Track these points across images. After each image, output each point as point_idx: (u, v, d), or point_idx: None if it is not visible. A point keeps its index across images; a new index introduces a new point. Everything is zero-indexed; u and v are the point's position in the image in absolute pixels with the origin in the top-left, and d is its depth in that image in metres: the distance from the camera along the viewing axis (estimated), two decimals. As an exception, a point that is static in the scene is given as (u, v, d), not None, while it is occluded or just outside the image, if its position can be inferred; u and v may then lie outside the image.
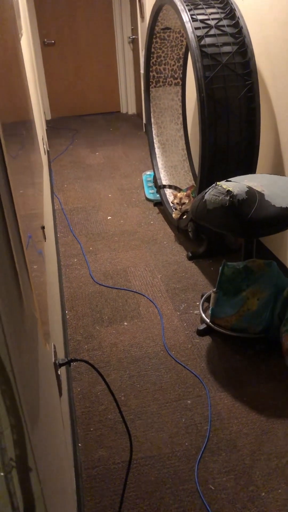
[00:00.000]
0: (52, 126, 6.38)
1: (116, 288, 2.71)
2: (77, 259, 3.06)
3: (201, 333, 2.30)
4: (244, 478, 1.61)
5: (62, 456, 1.21)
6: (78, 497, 1.51)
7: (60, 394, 1.41)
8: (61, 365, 1.38)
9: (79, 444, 1.78)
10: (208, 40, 2.41)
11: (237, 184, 1.99)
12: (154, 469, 1.67)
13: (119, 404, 1.93)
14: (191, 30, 2.40)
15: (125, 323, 2.42)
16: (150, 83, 3.57)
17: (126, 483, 1.58)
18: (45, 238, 1.58)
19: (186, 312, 2.47)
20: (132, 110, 6.92)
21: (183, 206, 3.13)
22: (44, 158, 3.78)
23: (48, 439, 0.93)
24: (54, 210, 3.75)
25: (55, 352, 1.38)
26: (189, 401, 1.94)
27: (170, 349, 2.22)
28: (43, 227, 1.47)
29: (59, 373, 1.39)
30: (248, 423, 1.82)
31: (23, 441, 0.63)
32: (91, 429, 1.84)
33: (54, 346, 1.41)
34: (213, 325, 2.24)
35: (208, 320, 2.28)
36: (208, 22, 2.46)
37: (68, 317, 2.49)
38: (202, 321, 2.36)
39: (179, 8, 2.50)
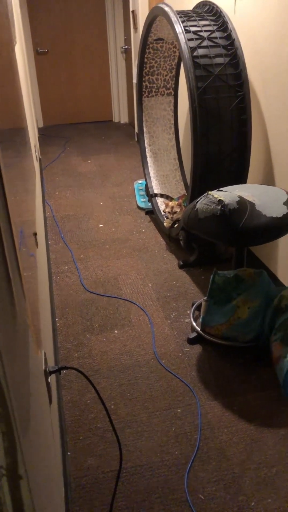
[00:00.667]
0: (44, 134, 6.39)
1: (107, 296, 2.71)
2: (68, 266, 3.05)
3: (191, 341, 2.30)
4: (233, 488, 1.61)
5: (51, 465, 1.20)
6: (66, 507, 1.50)
7: (50, 402, 1.40)
8: (51, 372, 1.37)
9: (68, 453, 1.76)
10: (200, 51, 2.44)
11: (228, 194, 2.00)
12: (144, 478, 1.66)
13: (109, 413, 1.92)
14: (184, 41, 2.43)
15: (116, 331, 2.41)
16: (143, 93, 3.60)
17: (115, 492, 1.57)
18: (37, 245, 1.58)
19: (177, 321, 2.48)
20: (124, 119, 6.95)
21: (175, 215, 3.14)
22: (36, 166, 3.78)
23: (38, 447, 0.93)
24: (45, 218, 3.74)
25: (45, 359, 1.37)
26: (179, 410, 1.93)
27: (161, 358, 2.22)
28: (35, 234, 1.47)
29: (49, 380, 1.38)
30: (238, 432, 1.82)
31: (14, 449, 0.63)
32: (81, 438, 1.82)
33: (45, 353, 1.40)
34: (203, 334, 2.24)
35: (198, 329, 2.28)
36: (201, 33, 2.49)
37: (58, 324, 2.48)
38: (193, 329, 2.37)
39: (173, 19, 2.53)
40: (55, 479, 1.27)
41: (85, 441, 1.81)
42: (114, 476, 1.67)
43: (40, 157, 5.32)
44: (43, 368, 1.28)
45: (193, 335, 2.31)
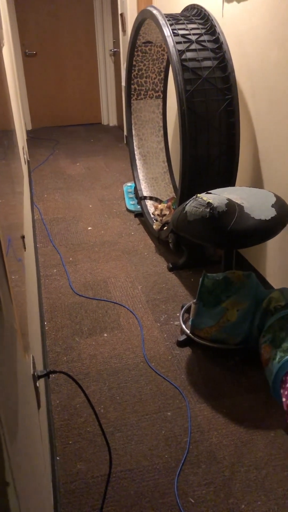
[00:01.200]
0: (33, 137, 6.36)
1: (96, 299, 2.70)
2: (57, 269, 3.03)
3: (181, 344, 2.30)
4: (224, 491, 1.61)
5: (39, 470, 1.19)
6: (55, 513, 1.48)
7: (39, 406, 1.39)
8: (39, 377, 1.36)
9: (57, 458, 1.75)
10: (189, 55, 2.45)
11: (217, 197, 2.01)
12: (134, 482, 1.65)
13: (98, 417, 1.90)
14: (173, 44, 2.43)
15: (105, 335, 2.40)
16: (132, 96, 3.60)
17: (105, 497, 1.56)
18: (24, 248, 1.57)
19: (166, 323, 2.47)
20: (113, 122, 6.95)
21: (164, 217, 3.14)
22: (24, 168, 3.75)
23: (26, 452, 0.91)
24: (33, 220, 3.72)
25: (33, 363, 1.36)
26: (169, 413, 1.93)
27: (150, 361, 2.21)
28: (23, 237, 1.45)
29: (37, 385, 1.36)
30: (228, 434, 1.82)
31: (1, 454, 0.62)
32: (70, 442, 1.81)
33: (33, 357, 1.39)
34: (193, 336, 2.24)
35: (188, 331, 2.28)
36: (189, 37, 2.50)
37: (47, 328, 2.46)
38: (182, 332, 2.37)
39: (161, 22, 2.53)
40: (43, 484, 1.26)
41: (74, 445, 1.79)
42: (104, 481, 1.66)
43: (29, 159, 5.29)
44: (32, 372, 1.27)
45: (183, 337, 2.31)
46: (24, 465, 0.86)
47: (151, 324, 2.47)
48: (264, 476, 1.65)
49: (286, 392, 1.74)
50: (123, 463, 1.72)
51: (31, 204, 3.82)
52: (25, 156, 4.27)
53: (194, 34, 2.52)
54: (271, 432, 1.82)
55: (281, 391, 1.78)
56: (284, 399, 1.74)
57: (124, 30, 5.21)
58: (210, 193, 2.13)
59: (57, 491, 1.60)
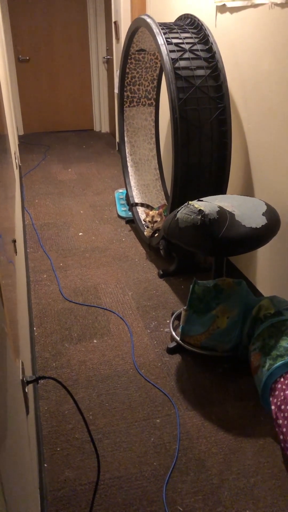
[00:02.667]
0: (25, 142, 6.35)
1: (86, 305, 2.69)
2: (47, 275, 3.02)
3: (171, 351, 2.30)
4: (212, 499, 1.60)
5: (27, 477, 1.17)
6: (42, 521, 1.46)
7: (27, 412, 1.37)
8: (28, 382, 1.35)
9: (45, 465, 1.73)
10: (182, 63, 2.47)
11: (208, 204, 2.02)
12: (122, 490, 1.64)
13: (87, 423, 1.89)
14: (166, 52, 2.45)
15: (95, 341, 2.39)
16: (124, 103, 3.62)
17: (92, 505, 1.54)
18: (16, 252, 1.56)
19: (156, 330, 2.47)
20: (105, 128, 6.97)
21: (155, 224, 3.15)
22: (16, 173, 3.74)
23: (14, 459, 0.90)
24: (24, 225, 3.70)
25: (23, 369, 1.35)
26: (158, 420, 1.92)
27: (140, 367, 2.21)
28: (14, 241, 1.45)
29: (26, 390, 1.35)
30: (217, 442, 1.82)
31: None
32: (58, 449, 1.79)
33: (22, 363, 1.38)
34: (183, 343, 2.24)
35: (178, 338, 2.28)
36: (183, 45, 2.52)
37: (36, 334, 2.45)
38: (172, 339, 2.36)
39: (155, 31, 2.55)
40: (31, 492, 1.24)
41: (62, 452, 1.78)
42: (92, 488, 1.64)
43: (20, 164, 5.28)
44: (21, 377, 1.25)
45: (173, 344, 2.31)
46: (12, 472, 0.85)
47: (141, 331, 2.46)
48: (253, 484, 1.65)
49: (275, 400, 1.75)
50: (111, 471, 1.71)
51: (22, 209, 3.81)
52: (16, 161, 4.26)
53: (187, 43, 2.54)
54: (260, 440, 1.82)
55: (270, 399, 1.79)
56: (273, 407, 1.74)
57: (117, 38, 5.25)
58: (202, 200, 2.14)
59: (44, 499, 1.58)
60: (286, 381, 1.75)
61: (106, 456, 1.76)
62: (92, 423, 1.91)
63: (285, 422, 1.66)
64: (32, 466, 1.37)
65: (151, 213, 3.19)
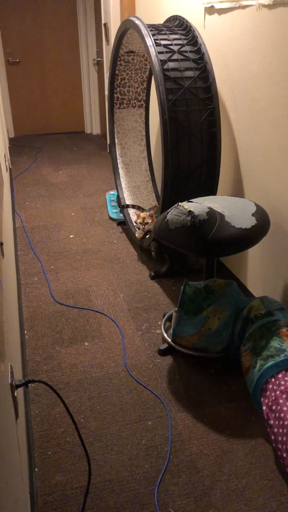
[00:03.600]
0: (15, 144, 6.33)
1: (77, 308, 2.68)
2: (38, 277, 3.00)
3: (162, 352, 2.29)
4: (204, 500, 1.60)
5: (17, 482, 1.16)
6: (33, 526, 1.45)
7: (17, 416, 1.36)
8: (18, 386, 1.33)
9: (36, 469, 1.72)
10: (171, 65, 2.47)
11: (198, 205, 2.02)
12: (113, 493, 1.63)
13: (78, 427, 1.88)
14: (155, 54, 2.45)
15: (86, 343, 2.38)
16: (114, 105, 3.62)
17: (83, 509, 1.53)
18: (3, 255, 1.55)
19: (148, 332, 2.46)
20: (96, 130, 6.96)
21: (146, 225, 3.14)
22: (6, 175, 3.73)
23: (2, 464, 0.89)
24: (14, 228, 3.69)
25: (12, 372, 1.34)
26: (149, 422, 1.91)
27: (131, 370, 2.20)
28: (1, 244, 1.44)
29: (15, 394, 1.34)
30: (208, 443, 1.81)
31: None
32: (49, 453, 1.78)
33: (11, 366, 1.36)
34: (174, 345, 2.24)
35: (169, 340, 2.27)
36: (171, 47, 2.52)
37: (27, 337, 2.43)
38: (164, 340, 2.36)
39: (143, 32, 2.55)
40: (21, 496, 1.23)
41: (53, 456, 1.77)
42: (83, 492, 1.63)
43: (11, 167, 5.26)
44: (9, 381, 1.24)
45: (164, 346, 2.30)
46: (1, 478, 0.84)
47: (133, 333, 2.46)
48: (245, 485, 1.65)
49: (266, 401, 1.75)
50: (102, 474, 1.70)
51: (12, 211, 3.79)
52: (7, 163, 4.24)
53: (176, 45, 2.54)
54: (252, 441, 1.82)
55: (262, 399, 1.79)
56: (264, 408, 1.74)
57: (107, 40, 5.25)
58: (192, 201, 2.14)
59: (35, 503, 1.57)
60: (277, 382, 1.75)
61: (97, 459, 1.75)
62: (84, 426, 1.89)
63: (276, 422, 1.66)
64: (22, 470, 1.36)
65: (142, 214, 3.18)
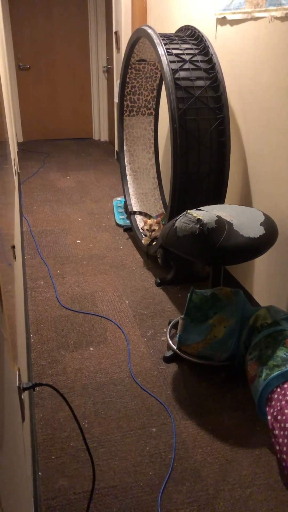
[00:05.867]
0: (24, 149, 6.37)
1: (83, 313, 2.68)
2: (44, 282, 3.01)
3: (167, 360, 2.29)
4: (207, 509, 1.59)
5: (22, 486, 1.16)
6: (36, 530, 1.45)
7: (23, 419, 1.36)
8: (25, 389, 1.34)
9: (39, 473, 1.71)
10: (182, 74, 2.49)
11: (207, 213, 2.03)
12: (117, 499, 1.62)
13: (83, 432, 1.88)
14: (166, 63, 2.48)
15: (91, 349, 2.38)
16: (124, 112, 3.64)
17: (87, 514, 1.53)
18: (15, 258, 1.56)
19: (153, 339, 2.47)
20: (104, 137, 7.00)
21: (153, 232, 3.15)
22: (14, 180, 3.75)
23: (10, 466, 0.90)
24: (22, 232, 3.70)
25: (19, 375, 1.34)
26: (153, 429, 1.91)
27: (136, 376, 2.20)
28: (13, 247, 1.45)
29: (22, 397, 1.34)
30: (212, 452, 1.81)
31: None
32: (53, 457, 1.78)
33: (19, 369, 1.37)
34: (179, 352, 2.24)
35: (175, 347, 2.27)
36: (183, 56, 2.54)
37: (32, 341, 2.44)
38: (169, 347, 2.36)
39: (155, 41, 2.58)
40: (25, 500, 1.23)
41: (57, 460, 1.77)
42: (86, 497, 1.63)
43: (19, 171, 5.29)
44: (17, 384, 1.25)
45: (169, 353, 2.30)
46: (8, 479, 0.85)
47: (138, 339, 2.46)
48: (249, 495, 1.64)
49: (271, 410, 1.74)
50: (106, 480, 1.69)
51: (20, 215, 3.81)
52: (15, 167, 4.27)
53: (187, 54, 2.57)
54: (256, 450, 1.82)
55: (267, 409, 1.78)
56: (269, 417, 1.74)
57: (118, 48, 5.29)
58: (200, 209, 2.15)
59: (38, 508, 1.57)
60: (283, 392, 1.75)
61: (101, 465, 1.75)
62: (88, 431, 1.89)
63: (281, 432, 1.65)
64: (26, 474, 1.36)
65: (149, 221, 3.19)
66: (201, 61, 2.56)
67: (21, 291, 2.42)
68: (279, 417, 1.69)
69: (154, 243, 3.14)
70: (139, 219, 3.57)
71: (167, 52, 2.54)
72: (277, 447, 1.66)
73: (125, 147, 3.75)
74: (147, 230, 3.17)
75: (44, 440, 1.85)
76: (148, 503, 1.61)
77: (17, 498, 1.01)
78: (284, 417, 1.67)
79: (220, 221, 1.99)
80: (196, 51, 2.60)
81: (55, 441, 1.84)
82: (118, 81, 3.60)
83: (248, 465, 1.76)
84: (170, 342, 2.34)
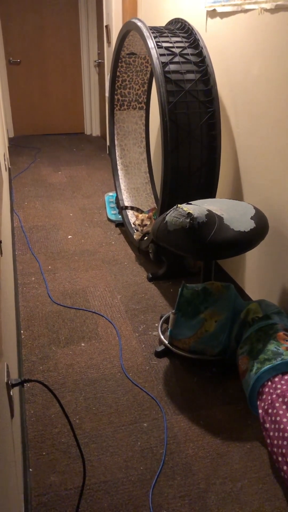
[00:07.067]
0: (15, 144, 6.32)
1: (74, 308, 2.67)
2: (35, 277, 3.00)
3: (159, 354, 2.29)
4: (199, 503, 1.59)
5: (11, 482, 1.15)
6: (26, 526, 1.44)
7: (12, 415, 1.35)
8: (14, 385, 1.33)
9: (30, 469, 1.71)
10: (172, 67, 2.47)
11: (197, 207, 2.02)
12: (108, 495, 1.62)
13: (74, 427, 1.87)
14: (156, 56, 2.46)
15: (83, 344, 2.37)
16: (115, 106, 3.62)
17: (78, 510, 1.52)
18: (1, 253, 1.54)
19: (144, 334, 2.46)
20: (96, 132, 6.97)
21: (145, 227, 3.14)
22: (5, 175, 3.72)
23: (-4, 463, 0.89)
24: (13, 227, 3.68)
25: (8, 372, 1.33)
26: (145, 424, 1.91)
27: (128, 371, 2.19)
28: None
29: (11, 394, 1.33)
30: (204, 446, 1.81)
31: None
32: (43, 453, 1.77)
33: (7, 365, 1.36)
34: (171, 347, 2.23)
35: (166, 342, 2.27)
36: (173, 49, 2.53)
37: (23, 337, 2.42)
38: (161, 342, 2.35)
39: (145, 34, 2.56)
40: (15, 497, 1.22)
41: (48, 456, 1.76)
42: (78, 493, 1.62)
43: (10, 166, 5.25)
44: (5, 380, 1.24)
45: (161, 348, 2.30)
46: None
47: (130, 334, 2.45)
48: (240, 489, 1.64)
49: (262, 404, 1.74)
50: (97, 475, 1.69)
51: (11, 211, 3.78)
52: (6, 163, 4.24)
53: (177, 47, 2.55)
54: (247, 444, 1.82)
55: (258, 402, 1.78)
56: (260, 411, 1.74)
57: (109, 42, 5.25)
58: (191, 204, 2.14)
59: (29, 504, 1.56)
60: (274, 385, 1.75)
61: (92, 460, 1.75)
62: (79, 427, 1.89)
63: (272, 426, 1.65)
64: (16, 470, 1.36)
65: (140, 216, 3.18)
66: (191, 54, 2.55)
67: (11, 287, 2.41)
68: (270, 411, 1.69)
69: (145, 238, 3.13)
70: (130, 214, 3.55)
71: (157, 45, 2.52)
72: (268, 441, 1.67)
73: (116, 142, 3.73)
74: (139, 225, 3.16)
75: (35, 436, 1.84)
76: (139, 498, 1.61)
77: (5, 494, 1.00)
78: (275, 411, 1.67)
79: (210, 215, 1.98)
80: (186, 44, 2.58)
81: (46, 437, 1.84)
82: (109, 75, 3.57)
83: (239, 458, 1.76)
84: (162, 337, 2.34)
